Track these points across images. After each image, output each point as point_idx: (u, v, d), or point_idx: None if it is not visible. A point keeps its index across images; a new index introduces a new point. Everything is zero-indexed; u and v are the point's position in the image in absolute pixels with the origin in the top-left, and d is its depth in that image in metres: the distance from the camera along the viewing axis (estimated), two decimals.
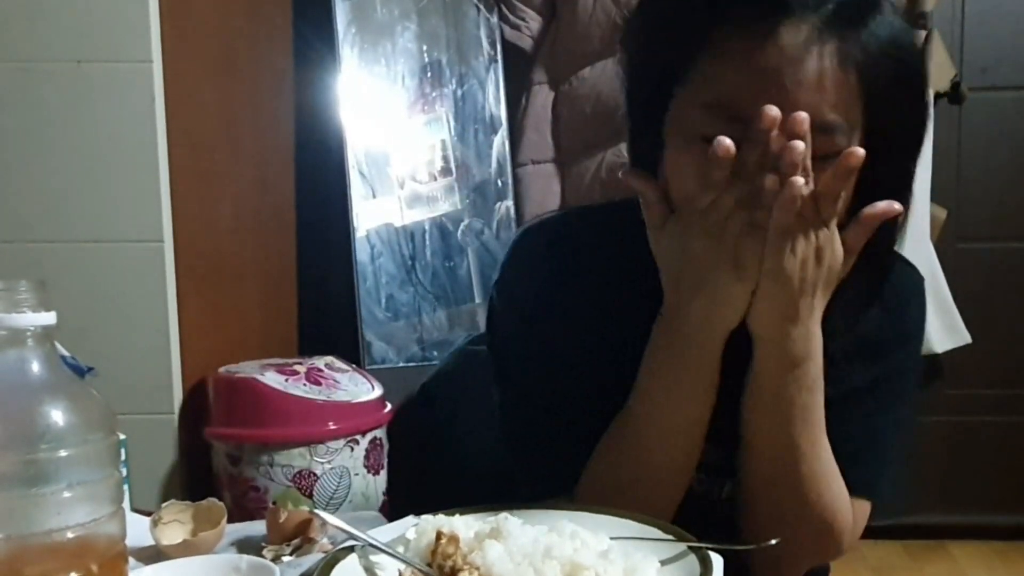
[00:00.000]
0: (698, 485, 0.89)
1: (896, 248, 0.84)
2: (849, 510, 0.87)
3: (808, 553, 0.88)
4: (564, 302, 0.88)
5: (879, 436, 0.89)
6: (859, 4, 0.74)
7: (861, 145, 0.72)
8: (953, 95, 2.52)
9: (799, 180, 0.69)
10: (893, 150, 0.76)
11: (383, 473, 1.88)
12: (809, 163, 0.70)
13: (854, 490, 0.87)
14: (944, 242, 2.49)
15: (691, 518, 0.80)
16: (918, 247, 2.41)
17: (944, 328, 2.43)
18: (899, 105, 0.76)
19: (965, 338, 2.45)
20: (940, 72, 2.48)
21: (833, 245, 0.74)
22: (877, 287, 0.83)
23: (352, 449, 1.80)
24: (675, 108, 0.78)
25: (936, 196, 2.44)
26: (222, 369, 1.81)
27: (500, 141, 2.39)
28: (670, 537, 0.77)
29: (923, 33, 2.32)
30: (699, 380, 0.80)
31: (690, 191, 0.75)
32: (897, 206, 0.75)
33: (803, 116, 0.69)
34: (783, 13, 0.72)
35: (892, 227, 0.79)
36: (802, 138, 0.69)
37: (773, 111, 0.68)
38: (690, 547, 0.75)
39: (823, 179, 0.71)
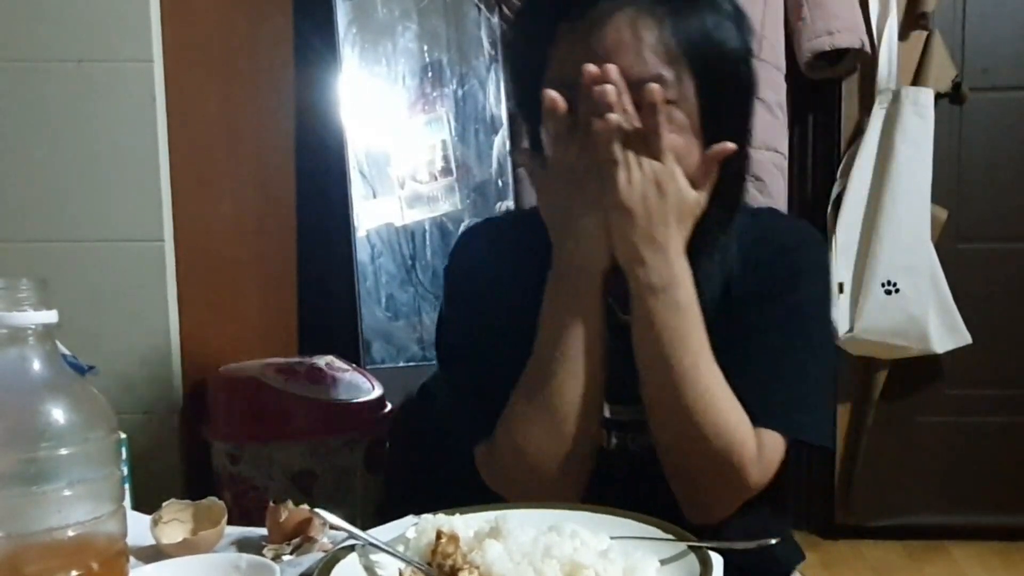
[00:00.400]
0: (609, 443, 0.98)
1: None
2: (750, 439, 0.91)
3: (711, 482, 0.91)
4: (496, 289, 1.00)
5: (784, 372, 0.94)
6: None
7: (697, 100, 0.89)
8: (954, 95, 2.52)
9: (612, 115, 0.85)
10: (726, 103, 0.92)
11: (383, 473, 1.88)
12: (629, 106, 0.86)
13: (759, 421, 0.92)
14: (945, 242, 2.49)
15: (607, 473, 0.94)
16: (919, 247, 2.41)
17: (944, 328, 2.44)
18: (721, 67, 0.91)
19: (965, 338, 2.45)
20: (941, 72, 2.48)
21: (675, 178, 0.88)
22: (728, 220, 0.96)
23: (352, 449, 1.80)
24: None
25: (937, 197, 2.44)
26: (222, 368, 1.81)
27: (500, 141, 2.39)
28: (670, 536, 0.78)
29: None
30: (583, 314, 0.91)
31: (553, 127, 0.89)
32: (731, 146, 0.90)
33: (610, 66, 0.85)
34: (607, 3, 0.89)
35: (737, 165, 0.95)
36: (612, 83, 0.84)
37: (591, 68, 0.84)
38: (690, 547, 0.75)
39: (640, 116, 0.86)
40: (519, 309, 0.95)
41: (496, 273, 1.01)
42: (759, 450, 0.91)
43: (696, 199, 0.89)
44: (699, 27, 0.89)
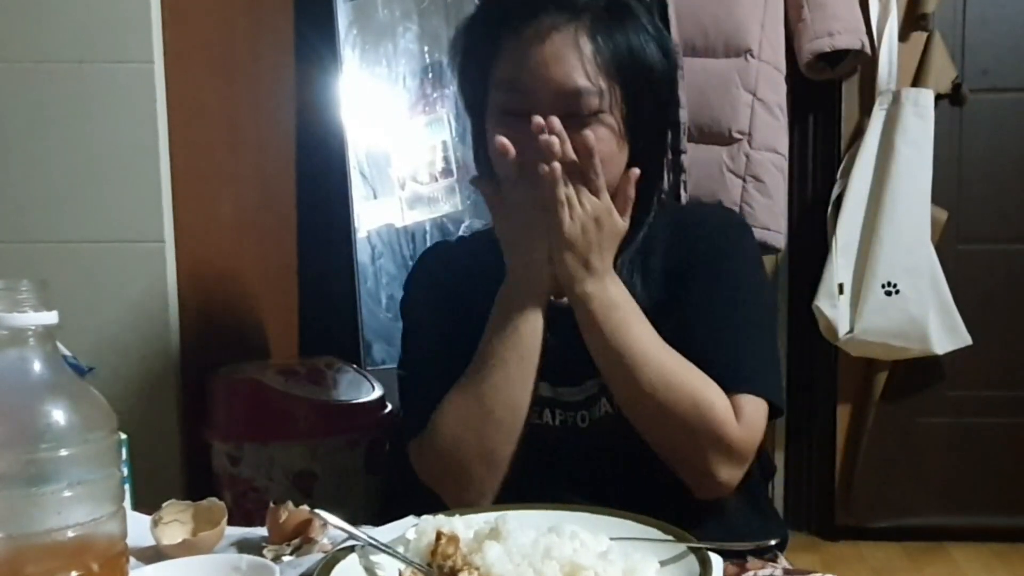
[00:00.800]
0: (556, 420, 1.07)
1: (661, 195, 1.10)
2: (720, 397, 0.97)
3: (697, 446, 0.98)
4: (448, 303, 1.10)
5: (735, 338, 1.02)
6: (607, 16, 0.98)
7: (621, 116, 0.99)
8: (954, 97, 2.52)
9: (556, 164, 0.94)
10: (648, 113, 1.01)
11: (383, 473, 1.88)
12: (570, 151, 0.95)
13: (730, 387, 0.98)
14: (945, 244, 2.49)
15: (555, 448, 1.04)
16: (919, 249, 2.41)
17: (944, 330, 2.44)
18: (641, 97, 1.00)
19: (965, 340, 2.45)
20: (941, 74, 2.48)
21: (611, 213, 0.98)
22: (642, 222, 1.06)
23: (352, 449, 1.80)
24: (490, 99, 1.02)
25: (937, 198, 2.44)
26: (223, 369, 1.81)
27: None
28: (669, 538, 0.78)
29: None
30: (526, 327, 1.00)
31: (503, 168, 0.99)
32: (636, 172, 0.99)
33: (554, 118, 0.94)
34: (543, 10, 0.98)
35: (652, 178, 1.05)
36: (557, 134, 0.94)
37: (537, 119, 0.94)
38: (689, 547, 0.75)
39: (580, 159, 0.95)
40: (469, 326, 1.04)
41: (448, 294, 1.11)
42: (738, 412, 0.98)
43: (623, 226, 1.00)
44: (626, 45, 0.99)
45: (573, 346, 1.01)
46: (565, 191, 0.96)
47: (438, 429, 1.03)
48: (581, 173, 0.96)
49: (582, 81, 0.96)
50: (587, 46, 0.97)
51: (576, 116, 0.97)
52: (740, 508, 1.05)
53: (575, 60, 0.97)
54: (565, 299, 1.02)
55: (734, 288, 1.05)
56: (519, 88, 0.98)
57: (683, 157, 2.04)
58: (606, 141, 0.98)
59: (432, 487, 1.04)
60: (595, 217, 0.97)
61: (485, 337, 1.02)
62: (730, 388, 0.98)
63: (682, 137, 1.90)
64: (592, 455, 1.05)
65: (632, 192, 1.00)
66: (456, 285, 1.11)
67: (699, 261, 1.05)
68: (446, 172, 2.32)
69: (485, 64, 1.02)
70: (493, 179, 1.02)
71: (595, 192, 0.97)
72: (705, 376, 0.98)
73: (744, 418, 0.98)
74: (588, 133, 0.95)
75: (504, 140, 0.95)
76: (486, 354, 1.02)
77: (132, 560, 0.76)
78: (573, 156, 0.96)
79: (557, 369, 1.04)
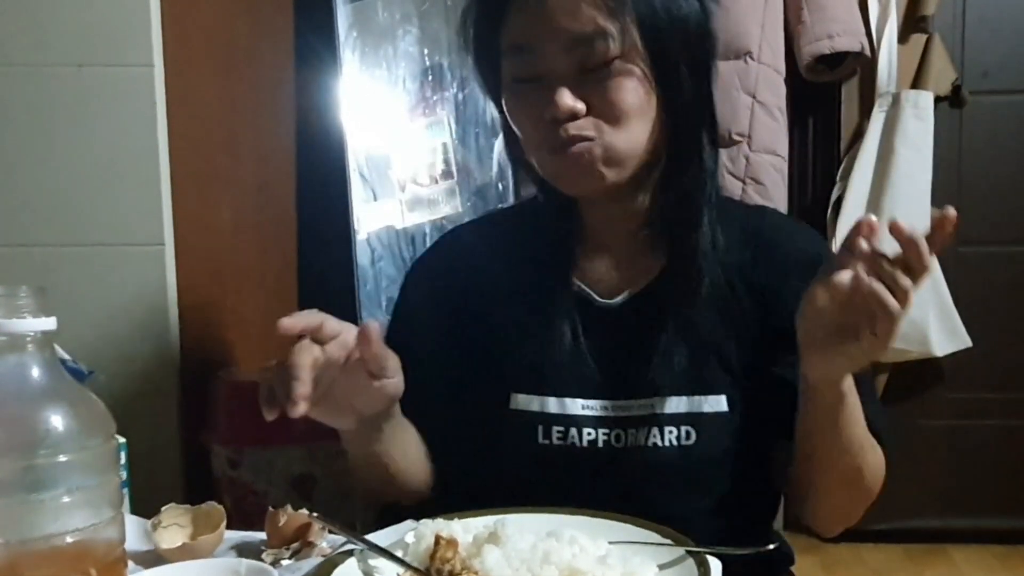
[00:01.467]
0: (581, 440, 0.95)
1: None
2: (882, 461, 0.96)
3: (858, 510, 0.98)
4: (447, 295, 1.03)
5: (869, 385, 0.97)
6: None
7: (642, 62, 0.89)
8: (954, 99, 2.52)
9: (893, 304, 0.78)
10: (682, 67, 0.91)
11: None
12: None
13: (882, 447, 0.95)
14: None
15: (589, 471, 0.93)
16: None
17: (945, 332, 2.44)
18: (670, 36, 0.90)
19: (966, 342, 2.45)
20: (941, 76, 2.48)
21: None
22: (700, 186, 0.96)
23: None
24: (503, 73, 0.94)
25: (937, 200, 2.44)
26: (222, 372, 1.81)
27: (501, 144, 2.39)
28: (668, 541, 0.78)
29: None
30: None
31: (522, 127, 0.93)
32: (952, 214, 0.82)
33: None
34: None
35: (695, 121, 0.95)
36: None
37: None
38: (688, 551, 0.75)
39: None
40: (466, 318, 1.00)
41: (450, 284, 1.03)
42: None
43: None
44: None
45: (611, 354, 0.95)
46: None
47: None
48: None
49: (590, 26, 0.87)
50: None
51: (594, 70, 0.89)
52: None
53: (579, 6, 0.88)
54: (615, 299, 0.97)
55: None
56: (526, 48, 0.91)
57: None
58: (632, 91, 0.89)
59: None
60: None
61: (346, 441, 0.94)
62: (882, 447, 0.95)
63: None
64: (636, 480, 0.94)
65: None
66: (466, 273, 1.03)
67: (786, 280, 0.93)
68: (446, 174, 2.32)
69: (494, 34, 0.94)
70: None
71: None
72: (878, 448, 0.94)
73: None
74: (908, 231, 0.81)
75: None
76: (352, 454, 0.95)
77: (131, 564, 0.76)
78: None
79: (593, 378, 0.95)
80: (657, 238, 0.98)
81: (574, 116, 0.89)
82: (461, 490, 0.93)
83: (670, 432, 0.93)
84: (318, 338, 0.84)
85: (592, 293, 0.98)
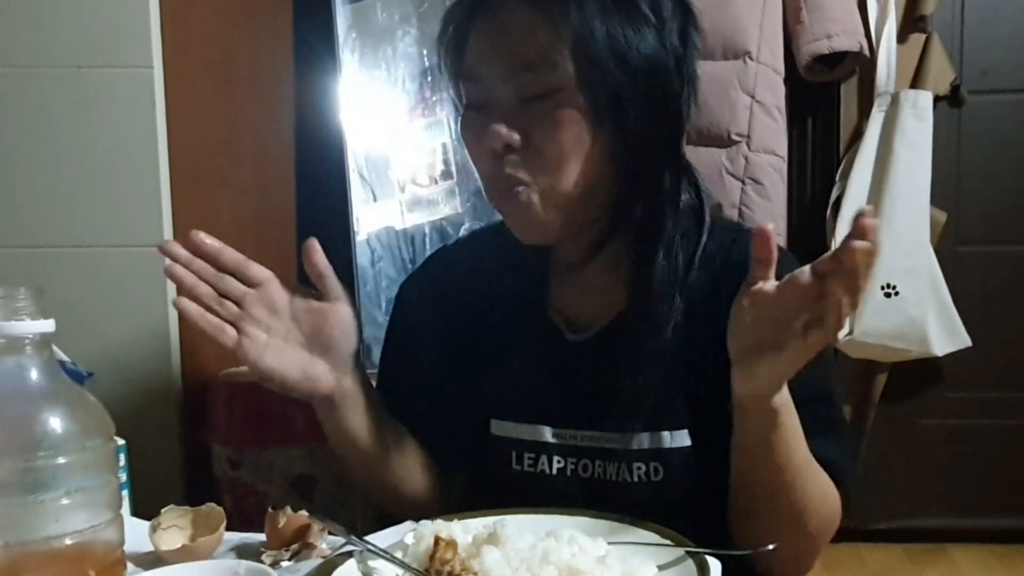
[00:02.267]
0: (551, 468, 0.95)
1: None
2: (838, 502, 0.90)
3: (809, 554, 0.91)
4: (438, 314, 1.03)
5: (835, 426, 0.92)
6: None
7: (581, 96, 0.86)
8: (953, 98, 2.52)
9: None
10: (630, 103, 0.88)
11: None
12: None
13: (838, 486, 0.90)
14: (944, 245, 2.49)
15: (554, 501, 0.89)
16: (918, 250, 2.41)
17: (944, 331, 2.44)
18: (620, 61, 0.87)
19: (965, 341, 2.45)
20: (940, 75, 2.48)
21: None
22: (652, 234, 0.93)
23: None
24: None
25: (936, 199, 2.44)
26: (222, 373, 1.81)
27: None
28: (667, 542, 0.78)
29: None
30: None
31: (472, 157, 0.93)
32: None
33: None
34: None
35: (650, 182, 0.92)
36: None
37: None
38: (687, 552, 0.75)
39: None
40: (457, 336, 1.00)
41: (441, 304, 1.03)
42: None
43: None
44: (580, 22, 0.86)
45: (578, 383, 0.94)
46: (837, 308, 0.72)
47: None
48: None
49: (531, 53, 0.86)
50: (537, 11, 0.86)
51: (533, 100, 0.86)
52: None
53: (523, 31, 0.86)
54: (581, 336, 0.95)
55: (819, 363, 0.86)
56: (475, 75, 0.90)
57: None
58: (570, 125, 0.86)
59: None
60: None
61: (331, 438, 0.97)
62: (838, 486, 0.90)
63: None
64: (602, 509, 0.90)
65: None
66: (452, 294, 1.03)
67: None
68: (446, 175, 2.32)
69: (458, 60, 0.94)
70: None
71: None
72: (826, 479, 0.88)
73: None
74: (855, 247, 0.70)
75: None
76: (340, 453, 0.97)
77: (130, 566, 0.76)
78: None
79: (559, 407, 0.95)
80: (624, 271, 0.95)
81: (510, 149, 0.87)
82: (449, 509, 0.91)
83: (638, 468, 0.92)
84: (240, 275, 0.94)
85: (563, 327, 0.97)
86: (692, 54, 0.93)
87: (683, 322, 0.92)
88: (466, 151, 0.94)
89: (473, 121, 0.91)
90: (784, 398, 0.80)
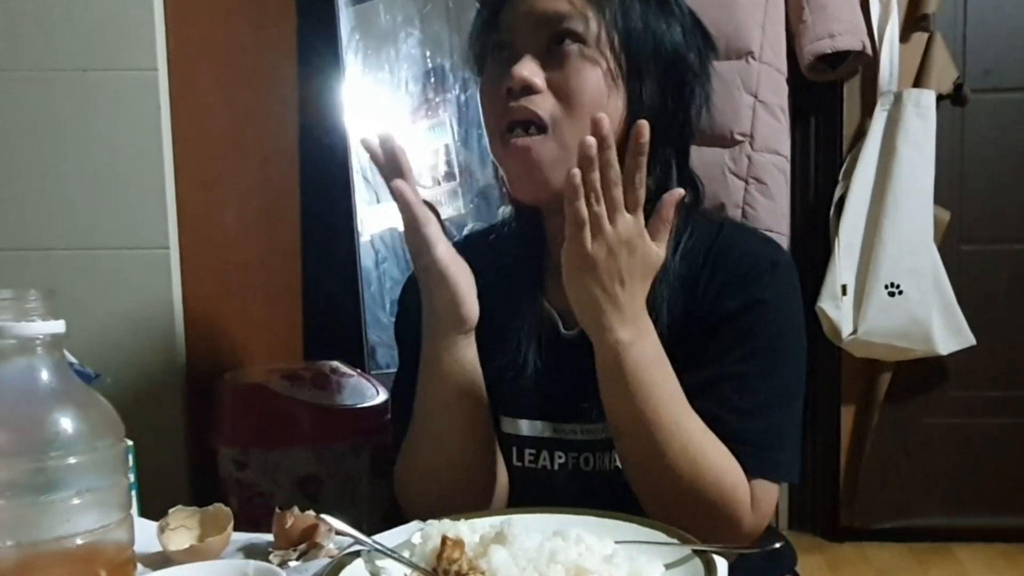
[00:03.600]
0: (555, 463, 0.96)
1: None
2: (742, 484, 0.88)
3: (705, 531, 0.85)
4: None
5: (766, 417, 0.90)
6: None
7: (617, 73, 0.89)
8: (956, 97, 2.52)
9: (593, 174, 0.79)
10: (647, 84, 0.92)
11: (389, 478, 1.88)
12: (614, 159, 0.81)
13: (753, 473, 0.88)
14: (948, 244, 2.49)
15: (556, 496, 0.90)
16: (921, 249, 2.41)
17: (948, 330, 2.43)
18: (647, 38, 0.92)
19: (969, 340, 2.45)
20: (943, 74, 2.48)
21: (643, 237, 0.82)
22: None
23: (357, 454, 1.80)
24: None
25: (939, 198, 2.44)
26: (228, 375, 1.82)
27: None
28: (674, 541, 0.78)
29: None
30: (456, 368, 0.91)
31: (484, 112, 0.94)
32: (680, 192, 0.84)
33: (602, 116, 0.79)
34: None
35: (671, 155, 0.96)
36: (602, 138, 0.79)
37: (587, 140, 0.79)
38: (694, 551, 0.75)
39: (627, 164, 0.80)
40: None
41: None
42: (753, 498, 0.88)
43: (659, 257, 0.84)
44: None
45: (576, 378, 0.93)
46: (596, 208, 0.78)
47: (399, 479, 0.99)
48: (621, 185, 0.80)
49: (563, 6, 0.90)
50: None
51: (560, 45, 0.90)
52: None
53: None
54: (573, 331, 0.95)
55: (772, 353, 0.91)
56: (502, 25, 0.94)
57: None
58: (594, 79, 0.89)
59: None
60: (627, 240, 0.80)
61: (420, 382, 0.94)
62: (753, 474, 0.88)
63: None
64: (602, 504, 0.89)
65: (671, 215, 0.83)
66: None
67: (734, 310, 0.90)
68: (449, 176, 2.32)
69: (484, 40, 0.98)
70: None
71: (631, 206, 0.80)
72: (729, 455, 0.87)
73: (758, 505, 0.89)
74: (642, 123, 0.79)
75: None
76: (422, 401, 0.93)
77: (139, 566, 0.76)
78: (615, 167, 0.79)
79: (558, 402, 0.95)
80: None
81: (529, 91, 0.89)
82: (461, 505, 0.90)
83: (608, 457, 0.94)
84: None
85: (559, 321, 0.98)
86: (708, 54, 0.97)
87: (668, 315, 0.92)
88: (482, 114, 0.95)
89: (492, 70, 0.94)
90: (628, 340, 0.82)
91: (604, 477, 0.94)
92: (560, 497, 0.90)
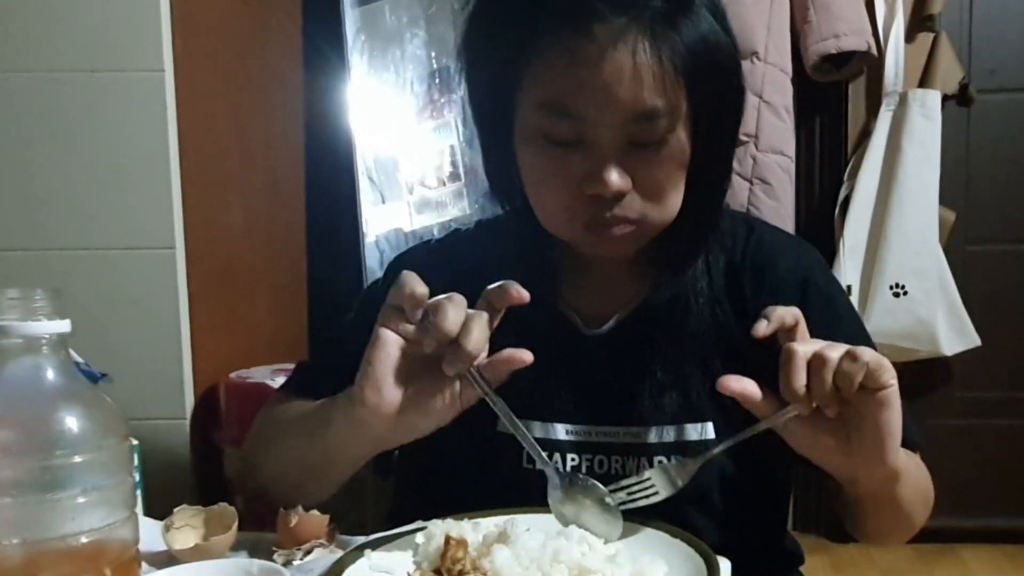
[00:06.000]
0: (564, 465, 0.92)
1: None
2: (930, 482, 0.93)
3: (910, 532, 0.94)
4: None
5: None
6: (671, 7, 0.78)
7: (686, 132, 0.81)
8: (961, 97, 2.52)
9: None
10: (716, 134, 0.84)
11: (392, 477, 1.88)
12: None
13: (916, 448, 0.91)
14: (953, 244, 2.49)
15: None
16: (926, 250, 2.41)
17: (953, 331, 2.43)
18: (717, 92, 0.82)
19: (974, 340, 2.44)
20: (948, 74, 2.48)
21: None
22: (706, 233, 0.91)
23: None
24: (519, 115, 0.85)
25: (945, 199, 2.44)
26: (233, 374, 1.82)
27: None
28: (677, 541, 0.78)
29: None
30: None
31: (547, 189, 0.85)
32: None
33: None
34: (597, 17, 0.78)
35: (718, 175, 0.88)
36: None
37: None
38: (698, 551, 0.76)
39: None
40: None
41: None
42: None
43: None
44: (697, 42, 0.79)
45: (593, 377, 0.92)
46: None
47: (261, 455, 0.95)
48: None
49: (655, 101, 0.79)
50: (655, 55, 0.78)
51: (645, 146, 0.81)
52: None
53: (645, 75, 0.78)
54: (599, 330, 0.93)
55: (861, 331, 0.94)
56: (571, 114, 0.80)
57: None
58: (678, 164, 0.83)
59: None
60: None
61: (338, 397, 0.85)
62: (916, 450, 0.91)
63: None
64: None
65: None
66: (448, 282, 0.93)
67: (813, 313, 0.84)
68: (454, 176, 2.32)
69: (511, 75, 0.84)
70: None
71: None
72: (920, 462, 0.90)
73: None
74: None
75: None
76: (326, 412, 0.86)
77: (144, 565, 0.76)
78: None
79: (573, 402, 0.92)
80: (643, 265, 0.93)
81: (620, 195, 0.82)
82: (455, 503, 0.87)
83: (659, 463, 0.90)
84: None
85: (578, 320, 0.95)
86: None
87: (707, 313, 0.92)
88: (530, 178, 0.87)
89: (563, 158, 0.83)
90: (897, 450, 0.80)
91: (615, 480, 0.91)
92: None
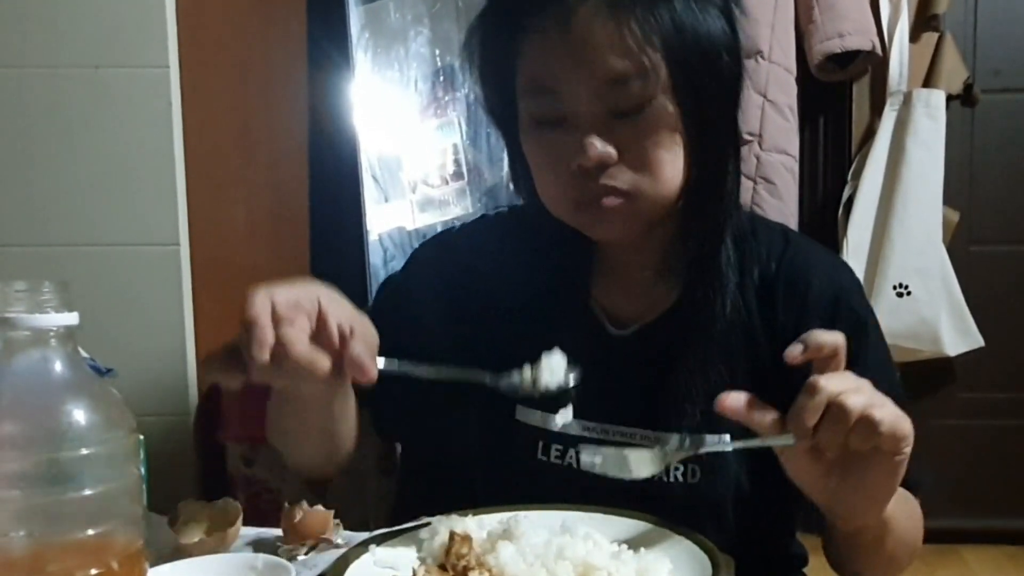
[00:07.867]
0: (577, 462, 0.91)
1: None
2: (921, 523, 0.91)
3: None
4: (425, 309, 0.98)
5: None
6: None
7: (672, 101, 0.81)
8: (966, 98, 2.52)
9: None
10: (704, 101, 0.84)
11: (396, 474, 1.88)
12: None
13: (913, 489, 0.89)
14: (956, 245, 2.48)
15: (581, 497, 0.85)
16: (930, 250, 2.41)
17: (956, 331, 2.43)
18: (699, 56, 0.82)
19: (978, 341, 2.44)
20: (952, 75, 2.47)
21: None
22: (722, 226, 0.90)
23: (364, 451, 1.81)
24: (519, 107, 0.87)
25: (948, 199, 2.43)
26: None
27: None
28: (681, 538, 0.78)
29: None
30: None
31: (542, 173, 0.87)
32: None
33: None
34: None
35: (728, 165, 0.88)
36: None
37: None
38: (702, 548, 0.76)
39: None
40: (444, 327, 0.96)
41: (430, 295, 0.98)
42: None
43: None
44: (673, 14, 0.81)
45: (611, 375, 0.91)
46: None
47: (279, 443, 0.97)
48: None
49: (622, 65, 0.79)
50: (623, 15, 0.79)
51: (627, 113, 0.81)
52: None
53: (610, 40, 0.79)
54: (626, 331, 0.93)
55: (890, 375, 0.90)
56: (548, 89, 0.83)
57: None
58: (666, 134, 0.82)
59: None
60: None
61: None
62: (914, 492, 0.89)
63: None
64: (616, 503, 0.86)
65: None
66: (466, 276, 0.98)
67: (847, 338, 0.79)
68: (457, 175, 2.32)
69: (505, 67, 0.86)
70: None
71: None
72: (913, 502, 0.89)
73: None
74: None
75: None
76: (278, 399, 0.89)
77: (149, 558, 0.77)
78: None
79: (589, 399, 0.89)
80: (674, 268, 0.93)
81: (604, 165, 0.82)
82: (459, 499, 0.87)
83: (675, 468, 0.90)
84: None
85: (606, 321, 0.95)
86: (742, 43, 0.89)
87: (735, 323, 0.91)
88: (532, 166, 0.88)
89: (550, 139, 0.84)
90: (886, 506, 0.79)
91: (639, 486, 0.86)
92: (581, 496, 0.87)
